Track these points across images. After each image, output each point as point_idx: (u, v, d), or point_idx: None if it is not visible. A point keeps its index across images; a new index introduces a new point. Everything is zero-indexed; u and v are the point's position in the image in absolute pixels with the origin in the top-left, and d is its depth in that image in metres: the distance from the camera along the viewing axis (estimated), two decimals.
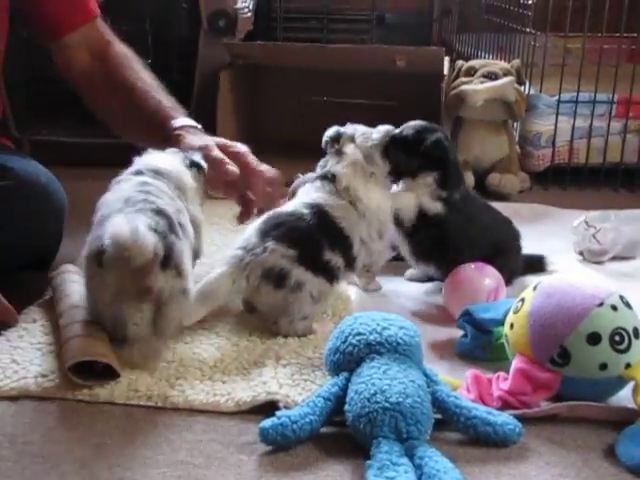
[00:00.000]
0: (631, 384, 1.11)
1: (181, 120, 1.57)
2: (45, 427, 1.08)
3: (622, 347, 1.10)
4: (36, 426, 1.08)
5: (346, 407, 1.05)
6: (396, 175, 1.51)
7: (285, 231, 1.33)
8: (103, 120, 1.71)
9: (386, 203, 1.46)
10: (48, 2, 1.61)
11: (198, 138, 1.53)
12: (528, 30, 2.36)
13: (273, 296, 1.32)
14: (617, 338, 1.10)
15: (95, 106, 1.69)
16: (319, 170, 1.47)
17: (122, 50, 1.69)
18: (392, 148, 1.47)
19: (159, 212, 1.21)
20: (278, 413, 1.05)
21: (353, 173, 1.43)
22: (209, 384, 1.18)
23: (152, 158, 1.38)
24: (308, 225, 1.35)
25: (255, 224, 1.37)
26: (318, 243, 1.35)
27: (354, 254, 1.40)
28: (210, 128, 2.20)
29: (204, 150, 1.46)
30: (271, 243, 1.31)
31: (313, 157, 1.53)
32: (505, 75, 2.22)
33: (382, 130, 1.48)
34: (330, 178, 1.43)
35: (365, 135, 1.46)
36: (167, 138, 1.54)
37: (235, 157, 1.48)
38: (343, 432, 1.07)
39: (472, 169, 2.20)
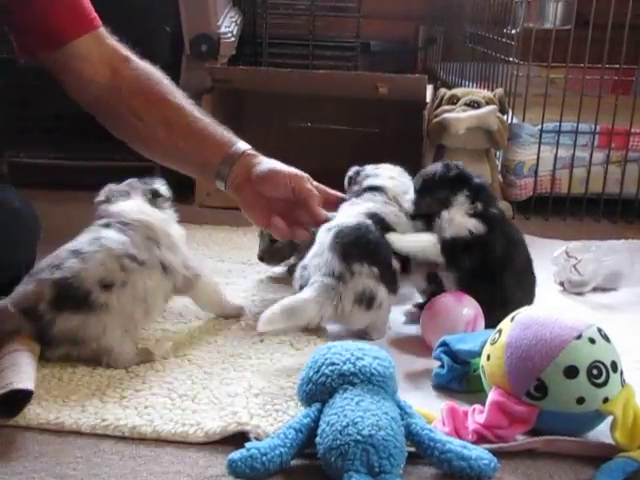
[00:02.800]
0: (609, 419, 1.09)
1: (243, 144, 1.55)
2: (6, 457, 1.05)
3: (600, 381, 1.08)
4: None
5: (317, 439, 1.03)
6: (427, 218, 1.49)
7: (363, 248, 1.36)
8: (134, 147, 1.58)
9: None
10: (46, 10, 1.46)
11: (275, 162, 1.53)
12: (511, 60, 2.36)
13: (365, 317, 1.37)
14: (595, 372, 1.08)
15: (121, 131, 1.56)
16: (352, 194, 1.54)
17: (146, 67, 1.54)
18: (421, 197, 1.49)
19: None
20: (247, 445, 1.03)
21: (394, 185, 1.53)
22: (178, 413, 1.15)
23: (118, 206, 1.37)
24: (376, 236, 1.39)
25: (323, 241, 1.37)
26: (388, 253, 1.39)
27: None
28: None
29: (299, 179, 1.49)
30: (357, 265, 1.34)
31: None
32: (488, 104, 2.22)
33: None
34: (377, 189, 1.51)
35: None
36: (228, 161, 1.52)
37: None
38: (314, 464, 1.04)
39: None
